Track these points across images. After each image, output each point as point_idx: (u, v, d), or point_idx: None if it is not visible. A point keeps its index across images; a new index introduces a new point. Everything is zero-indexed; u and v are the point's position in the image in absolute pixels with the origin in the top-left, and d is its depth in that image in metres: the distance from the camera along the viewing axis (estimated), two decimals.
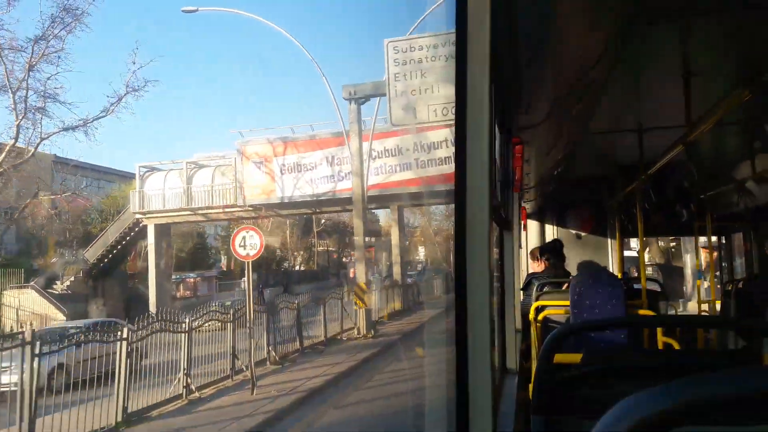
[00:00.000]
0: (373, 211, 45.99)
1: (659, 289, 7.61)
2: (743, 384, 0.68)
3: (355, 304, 23.25)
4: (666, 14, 2.54)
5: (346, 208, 32.75)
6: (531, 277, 6.28)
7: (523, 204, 6.76)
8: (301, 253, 57.13)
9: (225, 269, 50.98)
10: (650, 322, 4.32)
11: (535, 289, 5.40)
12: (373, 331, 22.84)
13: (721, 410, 0.67)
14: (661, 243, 24.30)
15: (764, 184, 5.27)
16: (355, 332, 22.97)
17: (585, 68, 2.98)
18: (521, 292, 5.79)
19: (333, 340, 21.64)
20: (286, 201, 33.92)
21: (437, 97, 19.33)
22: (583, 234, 8.09)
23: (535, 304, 4.90)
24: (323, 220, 54.95)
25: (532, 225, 8.32)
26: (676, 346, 4.35)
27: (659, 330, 4.51)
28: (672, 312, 8.29)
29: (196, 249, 49.63)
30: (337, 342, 21.56)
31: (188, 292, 43.15)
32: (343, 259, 61.98)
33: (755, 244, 7.21)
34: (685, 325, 5.37)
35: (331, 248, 61.41)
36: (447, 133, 29.31)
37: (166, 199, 34.61)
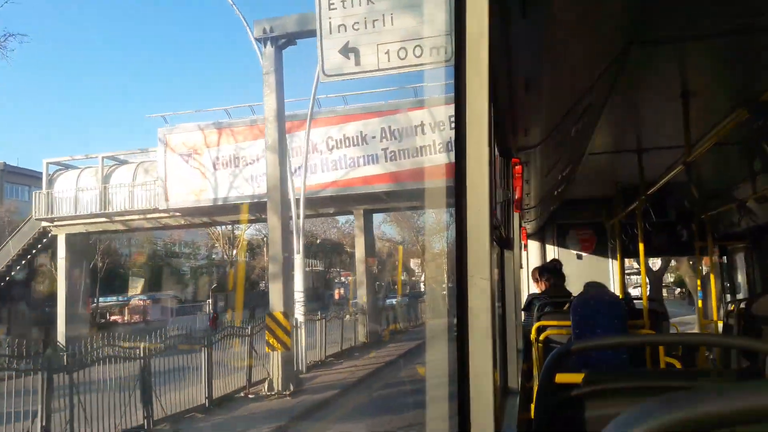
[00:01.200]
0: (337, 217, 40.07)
1: (661, 310, 7.59)
2: (737, 400, 0.68)
3: (269, 344, 15.62)
4: (662, 38, 2.57)
5: (308, 213, 24.58)
6: (532, 298, 6.28)
7: (523, 224, 6.78)
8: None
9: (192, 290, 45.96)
10: (652, 341, 4.32)
11: (536, 309, 5.40)
12: (292, 386, 15.54)
13: (716, 426, 0.68)
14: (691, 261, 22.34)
15: (765, 203, 5.29)
16: (266, 387, 15.44)
17: (583, 91, 3.02)
18: (523, 312, 5.79)
19: (229, 400, 14.59)
20: (220, 204, 26.75)
21: (391, 33, 14.02)
22: (583, 254, 8.10)
23: (536, 324, 4.90)
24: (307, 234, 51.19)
25: (533, 245, 8.34)
26: (678, 366, 4.35)
27: (661, 349, 4.50)
28: (674, 331, 8.26)
29: (154, 265, 43.67)
30: (233, 404, 14.47)
31: (136, 317, 36.78)
32: (338, 278, 57.96)
33: (757, 263, 7.20)
34: (686, 344, 5.35)
35: (317, 267, 55.57)
36: (423, 116, 24.15)
37: (78, 203, 27.84)
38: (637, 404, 0.73)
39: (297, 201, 19.55)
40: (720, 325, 6.94)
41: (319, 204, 25.76)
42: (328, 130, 25.08)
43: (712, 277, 6.95)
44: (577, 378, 2.15)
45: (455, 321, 1.48)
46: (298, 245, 19.08)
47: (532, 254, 8.27)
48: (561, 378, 2.08)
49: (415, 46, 13.86)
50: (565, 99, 3.19)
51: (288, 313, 16.18)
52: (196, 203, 26.77)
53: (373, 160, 24.71)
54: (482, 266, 1.46)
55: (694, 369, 5.33)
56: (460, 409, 1.43)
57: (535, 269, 6.78)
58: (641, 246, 5.56)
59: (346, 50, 14.29)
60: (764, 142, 4.16)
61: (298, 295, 18.65)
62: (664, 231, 7.13)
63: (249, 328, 16.35)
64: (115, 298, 37.28)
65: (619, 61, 2.71)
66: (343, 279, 56.34)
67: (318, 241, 52.81)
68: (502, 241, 3.54)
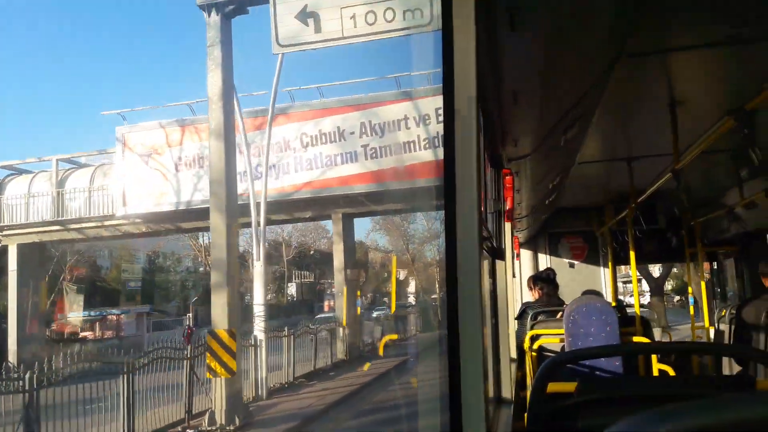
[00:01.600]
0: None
1: (654, 317, 7.63)
2: (730, 412, 0.69)
3: (210, 368, 12.98)
4: (650, 50, 2.60)
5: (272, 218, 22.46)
6: (525, 306, 6.29)
7: (515, 233, 6.80)
8: (269, 283, 49.52)
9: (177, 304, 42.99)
10: (645, 349, 4.33)
11: (529, 318, 5.40)
12: (239, 419, 13.08)
13: None
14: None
15: (753, 210, 5.33)
16: (206, 421, 12.78)
17: (572, 102, 3.05)
18: (516, 321, 5.80)
19: None
20: (183, 209, 23.63)
21: None
22: (575, 262, 8.13)
23: (529, 333, 4.91)
24: (294, 244, 48.09)
25: (526, 254, 8.36)
26: (672, 373, 4.36)
27: (654, 357, 4.51)
28: (666, 339, 8.30)
29: (132, 278, 41.05)
30: None
31: (110, 332, 33.37)
32: (330, 290, 53.59)
33: (746, 269, 7.25)
34: (679, 351, 5.37)
35: (306, 279, 53.55)
36: (408, 109, 21.82)
37: (30, 209, 25.05)
38: (628, 416, 0.73)
39: (259, 204, 17.53)
40: (711, 331, 6.97)
41: (294, 207, 23.78)
42: (302, 126, 22.59)
43: (702, 283, 6.99)
44: (570, 387, 2.16)
45: (446, 332, 1.49)
46: (258, 252, 17.07)
47: (524, 263, 8.29)
48: (554, 387, 2.09)
49: (386, 9, 11.89)
50: (554, 110, 3.22)
51: (234, 330, 13.43)
52: (156, 208, 23.91)
53: (352, 158, 22.24)
54: (472, 277, 1.47)
55: (687, 376, 5.34)
56: (452, 419, 1.43)
57: (529, 278, 6.80)
58: (632, 253, 5.59)
59: (304, 15, 12.21)
60: (751, 150, 4.20)
61: (259, 309, 16.86)
62: (654, 238, 7.17)
63: (189, 348, 13.13)
64: (87, 312, 34.38)
65: (608, 73, 2.74)
66: (335, 290, 54.75)
67: (311, 252, 51.54)
68: (493, 251, 3.56)
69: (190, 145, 23.81)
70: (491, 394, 3.52)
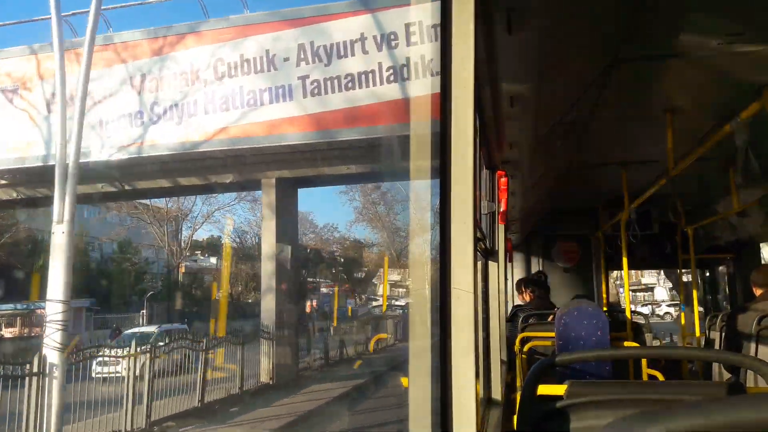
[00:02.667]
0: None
1: (643, 322, 7.66)
2: (718, 414, 0.70)
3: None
4: (646, 56, 2.62)
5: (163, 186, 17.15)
6: (517, 309, 6.30)
7: (509, 236, 6.81)
8: (243, 278, 41.77)
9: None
10: (634, 354, 4.34)
11: (520, 320, 5.42)
12: None
13: None
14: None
15: (746, 217, 5.36)
16: None
17: (568, 106, 3.05)
18: (507, 323, 5.81)
19: None
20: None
21: None
22: (569, 266, 8.14)
23: (520, 336, 4.92)
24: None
25: (518, 257, 8.37)
26: (661, 378, 4.37)
27: (644, 362, 4.53)
28: (656, 344, 8.33)
29: (75, 267, 29.42)
30: None
31: (36, 329, 24.70)
32: (322, 289, 49.06)
33: (738, 276, 7.28)
34: (668, 357, 5.39)
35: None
36: (366, 25, 15.28)
37: None
38: (617, 418, 0.74)
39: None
40: (702, 338, 7.00)
41: (207, 169, 16.98)
42: (216, 49, 16.27)
43: (694, 291, 7.01)
44: (559, 390, 2.17)
45: (438, 332, 1.49)
46: (61, 211, 10.54)
47: (517, 266, 8.30)
48: (544, 389, 2.10)
49: None
50: (550, 114, 3.22)
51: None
52: (19, 163, 17.39)
53: (286, 95, 15.79)
54: (466, 278, 1.47)
55: (676, 381, 5.36)
56: (442, 421, 1.44)
57: (519, 281, 6.80)
58: (625, 258, 5.61)
59: None
60: (745, 158, 4.22)
61: (56, 310, 10.31)
62: (647, 244, 7.19)
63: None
64: (13, 306, 28.68)
65: (604, 78, 2.75)
66: (325, 290, 48.85)
67: (308, 251, 46.33)
68: (486, 252, 3.56)
69: (69, 78, 16.43)
70: (481, 395, 3.53)
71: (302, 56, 15.83)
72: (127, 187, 17.82)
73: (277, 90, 15.88)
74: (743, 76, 2.99)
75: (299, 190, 18.55)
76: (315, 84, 15.66)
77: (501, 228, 4.47)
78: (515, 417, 2.19)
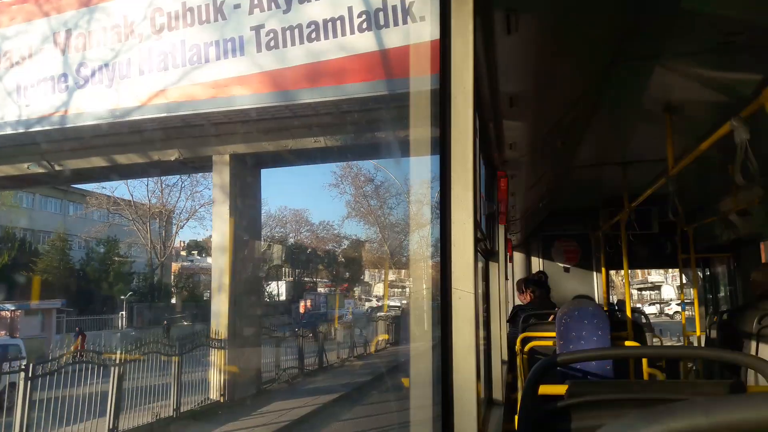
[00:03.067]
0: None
1: (644, 321, 7.67)
2: (717, 414, 0.70)
3: None
4: (645, 55, 2.62)
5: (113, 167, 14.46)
6: (517, 309, 6.30)
7: (509, 236, 6.81)
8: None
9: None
10: (635, 353, 4.34)
11: (520, 320, 5.41)
12: None
13: None
14: None
15: (746, 216, 5.35)
16: None
17: (567, 107, 3.06)
18: (507, 323, 5.81)
19: None
20: (9, 132, 14.14)
21: None
22: (569, 266, 8.15)
23: (520, 336, 4.92)
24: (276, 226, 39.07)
25: (519, 257, 8.37)
26: (661, 377, 4.37)
27: (644, 361, 4.53)
28: (657, 343, 8.33)
29: (49, 267, 32.29)
30: None
31: (2, 332, 23.45)
32: (320, 289, 46.75)
33: (738, 275, 7.28)
34: (669, 356, 5.39)
35: (287, 277, 44.66)
36: None
37: None
38: (617, 418, 0.74)
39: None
40: (702, 337, 7.00)
41: (145, 143, 14.13)
42: None
43: (694, 290, 7.02)
44: (560, 389, 2.17)
45: (439, 332, 1.49)
46: None
47: (517, 266, 8.31)
48: (545, 389, 2.10)
49: None
50: (550, 114, 3.22)
51: None
52: None
53: (236, 49, 13.23)
54: (466, 278, 1.47)
55: (677, 381, 5.36)
56: (444, 421, 1.44)
57: (519, 281, 6.80)
58: (625, 258, 5.61)
59: None
60: (746, 157, 4.22)
61: None
62: (647, 243, 7.20)
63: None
64: None
65: (603, 77, 2.75)
66: (322, 290, 46.95)
67: (308, 250, 45.19)
68: (487, 253, 3.57)
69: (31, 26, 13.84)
70: (482, 395, 3.53)
71: (256, 2, 13.16)
72: (57, 167, 14.70)
73: (225, 44, 13.32)
74: (743, 75, 2.99)
75: (263, 170, 15.67)
76: (271, 35, 13.07)
77: (501, 228, 4.47)
78: (516, 417, 2.19)
